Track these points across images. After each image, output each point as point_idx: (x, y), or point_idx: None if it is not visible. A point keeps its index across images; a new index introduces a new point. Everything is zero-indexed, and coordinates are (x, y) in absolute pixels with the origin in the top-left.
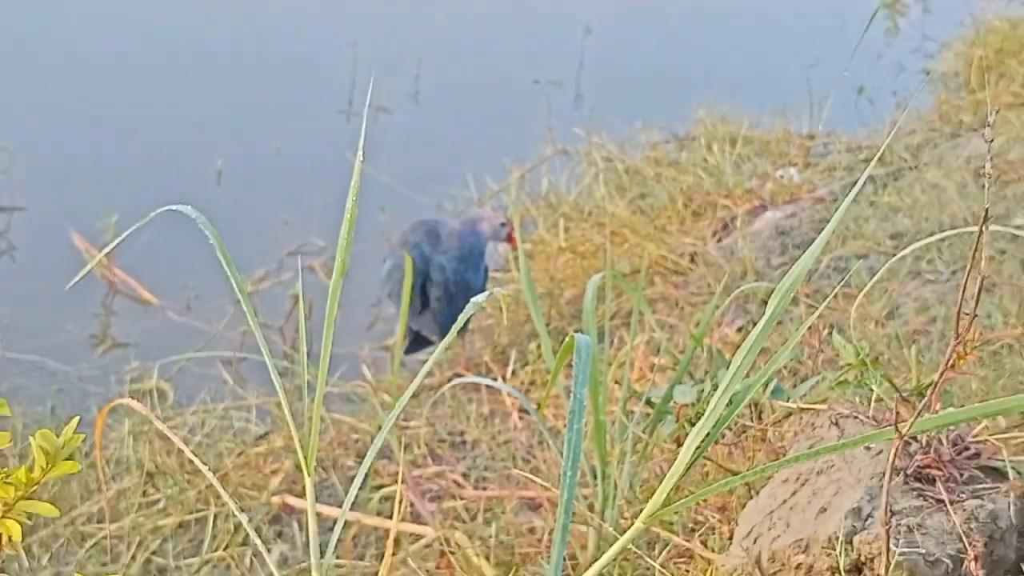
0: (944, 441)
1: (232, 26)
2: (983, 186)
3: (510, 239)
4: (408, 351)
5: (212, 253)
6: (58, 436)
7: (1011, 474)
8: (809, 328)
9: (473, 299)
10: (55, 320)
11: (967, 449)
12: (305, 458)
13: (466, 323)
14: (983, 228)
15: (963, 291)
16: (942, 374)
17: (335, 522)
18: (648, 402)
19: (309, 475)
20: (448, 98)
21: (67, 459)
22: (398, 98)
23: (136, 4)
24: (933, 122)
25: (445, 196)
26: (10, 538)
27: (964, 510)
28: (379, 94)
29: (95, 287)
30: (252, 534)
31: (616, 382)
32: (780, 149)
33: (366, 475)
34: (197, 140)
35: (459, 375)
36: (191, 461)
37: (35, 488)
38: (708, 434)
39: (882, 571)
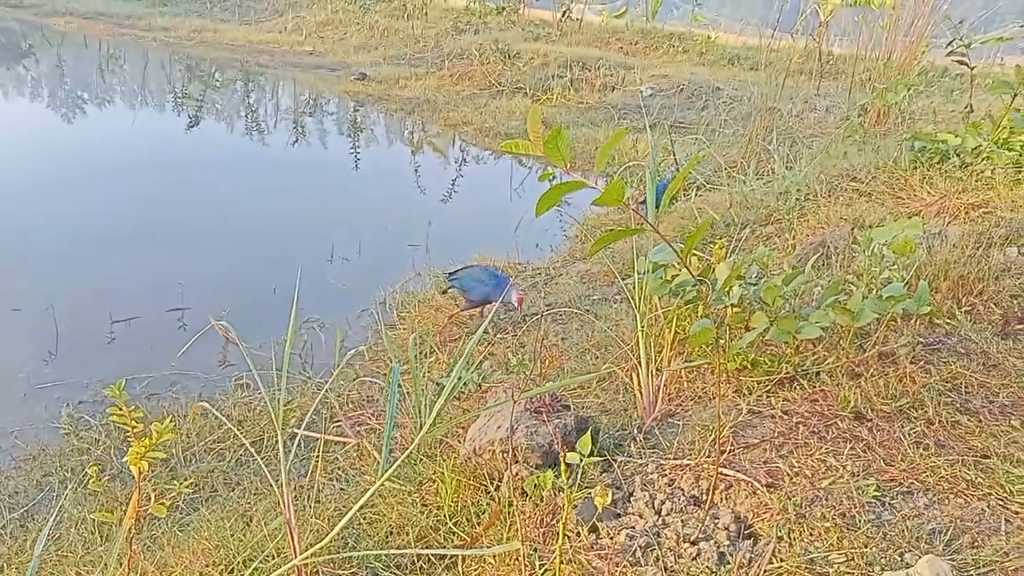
0: (547, 396)
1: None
2: None
3: (519, 302)
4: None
5: None
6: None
7: (573, 407)
8: None
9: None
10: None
11: (558, 400)
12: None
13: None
14: None
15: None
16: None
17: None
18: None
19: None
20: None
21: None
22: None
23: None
24: None
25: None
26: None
27: (553, 423)
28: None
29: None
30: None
31: None
32: None
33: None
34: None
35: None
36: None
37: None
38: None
39: (521, 454)
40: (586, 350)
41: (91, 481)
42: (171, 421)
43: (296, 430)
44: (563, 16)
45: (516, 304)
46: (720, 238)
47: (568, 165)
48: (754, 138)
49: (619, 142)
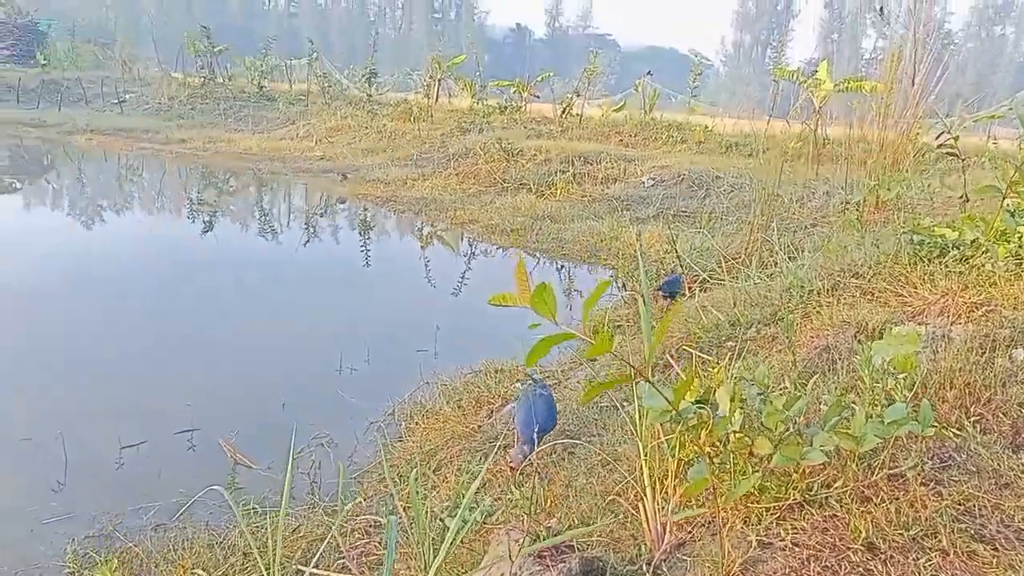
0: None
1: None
2: None
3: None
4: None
5: None
6: None
7: (577, 546)
8: None
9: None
10: None
11: (562, 541)
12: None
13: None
14: None
15: None
16: None
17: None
18: None
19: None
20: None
21: None
22: (338, 368)
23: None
24: None
25: (362, 427)
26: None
27: (557, 568)
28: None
29: None
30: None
31: None
32: None
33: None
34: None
35: None
36: None
37: None
38: None
39: None
40: (593, 467)
41: None
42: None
43: (301, 567)
44: (564, 112)
45: (513, 466)
46: (725, 340)
47: (555, 317)
48: (756, 228)
49: (602, 293)
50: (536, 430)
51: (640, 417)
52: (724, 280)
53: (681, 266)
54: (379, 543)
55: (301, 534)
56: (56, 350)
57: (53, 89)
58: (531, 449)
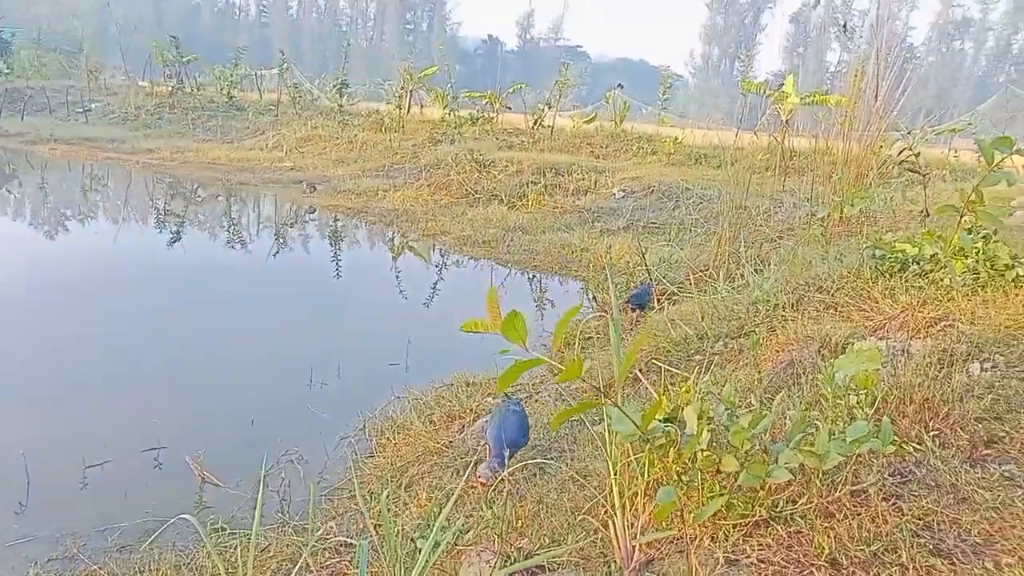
0: (521, 556)
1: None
2: None
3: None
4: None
5: None
6: None
7: (547, 567)
8: None
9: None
10: None
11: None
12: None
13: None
14: None
15: None
16: None
17: None
18: None
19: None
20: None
21: None
22: (309, 383)
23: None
24: None
25: (332, 443)
26: None
27: None
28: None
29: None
30: None
31: None
32: None
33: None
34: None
35: None
36: None
37: None
38: None
39: None
40: (564, 483)
41: None
42: None
43: None
44: (535, 123)
45: (483, 481)
46: (694, 353)
47: (526, 343)
48: (724, 240)
49: (569, 320)
50: (507, 446)
51: (609, 436)
52: (692, 293)
53: (651, 279)
54: (350, 562)
55: (271, 554)
56: (15, 367)
57: (16, 98)
58: (501, 464)
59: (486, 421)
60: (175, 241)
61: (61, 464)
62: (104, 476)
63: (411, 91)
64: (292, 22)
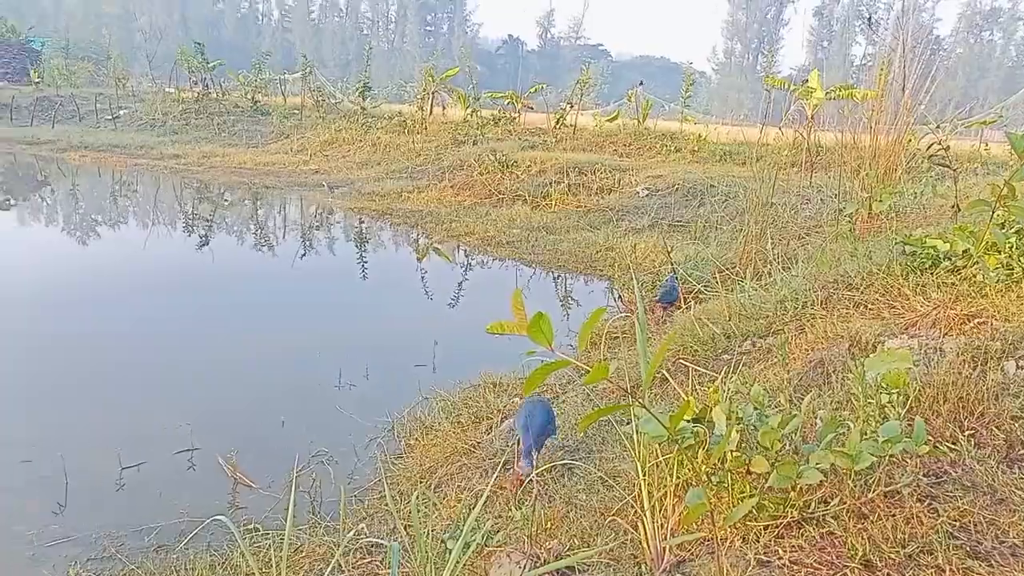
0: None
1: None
2: None
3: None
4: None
5: None
6: None
7: (577, 569)
8: None
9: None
10: None
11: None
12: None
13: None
14: None
15: None
16: None
17: None
18: None
19: None
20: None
21: None
22: (337, 384)
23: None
24: None
25: (362, 443)
26: None
27: None
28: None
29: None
30: None
31: None
32: None
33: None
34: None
35: None
36: None
37: None
38: None
39: None
40: (593, 483)
41: None
42: None
43: None
44: (557, 123)
45: (519, 477)
46: (722, 353)
47: (552, 345)
48: (750, 237)
49: (596, 322)
50: (538, 435)
51: (638, 437)
52: (719, 291)
53: (677, 278)
54: (381, 562)
55: (304, 554)
56: (54, 370)
57: (47, 106)
58: (532, 460)
59: (514, 421)
60: (204, 245)
61: (99, 466)
62: (140, 477)
63: (433, 92)
64: (314, 26)
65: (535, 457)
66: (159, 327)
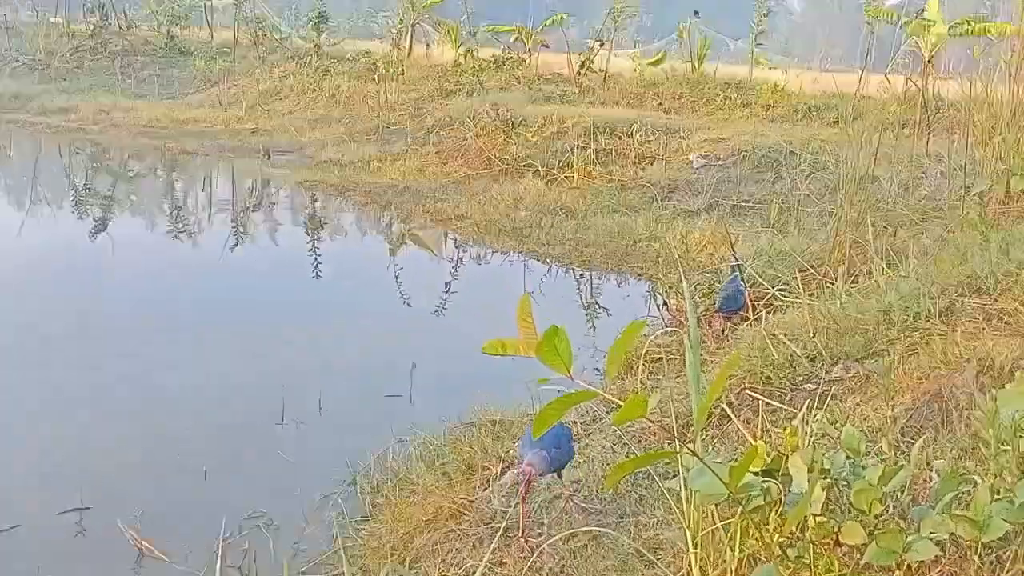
0: None
1: None
2: None
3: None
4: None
5: None
6: None
7: None
8: None
9: None
10: None
11: None
12: None
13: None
14: None
15: None
16: None
17: None
18: None
19: None
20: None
21: None
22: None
23: None
24: None
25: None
26: None
27: None
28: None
29: None
30: None
31: None
32: None
33: None
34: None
35: None
36: None
37: None
38: None
39: None
40: (627, 559)
41: None
42: None
43: None
44: (583, 67)
45: (522, 478)
46: (803, 381)
47: (570, 370)
48: (844, 224)
49: (633, 340)
50: (551, 445)
51: (687, 495)
52: (801, 298)
53: (742, 277)
54: None
55: None
56: None
57: None
58: (546, 457)
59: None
60: (99, 231)
61: None
62: (12, 544)
63: (413, 25)
64: None
65: (547, 456)
66: (33, 342)
